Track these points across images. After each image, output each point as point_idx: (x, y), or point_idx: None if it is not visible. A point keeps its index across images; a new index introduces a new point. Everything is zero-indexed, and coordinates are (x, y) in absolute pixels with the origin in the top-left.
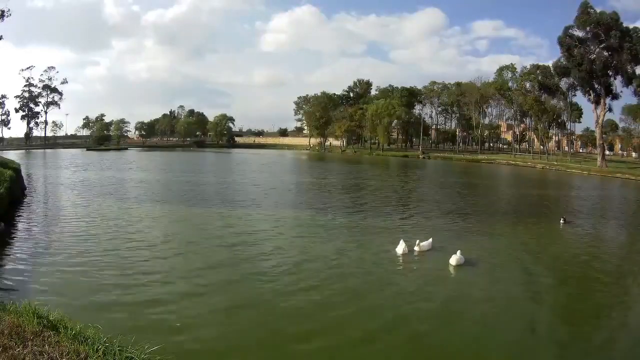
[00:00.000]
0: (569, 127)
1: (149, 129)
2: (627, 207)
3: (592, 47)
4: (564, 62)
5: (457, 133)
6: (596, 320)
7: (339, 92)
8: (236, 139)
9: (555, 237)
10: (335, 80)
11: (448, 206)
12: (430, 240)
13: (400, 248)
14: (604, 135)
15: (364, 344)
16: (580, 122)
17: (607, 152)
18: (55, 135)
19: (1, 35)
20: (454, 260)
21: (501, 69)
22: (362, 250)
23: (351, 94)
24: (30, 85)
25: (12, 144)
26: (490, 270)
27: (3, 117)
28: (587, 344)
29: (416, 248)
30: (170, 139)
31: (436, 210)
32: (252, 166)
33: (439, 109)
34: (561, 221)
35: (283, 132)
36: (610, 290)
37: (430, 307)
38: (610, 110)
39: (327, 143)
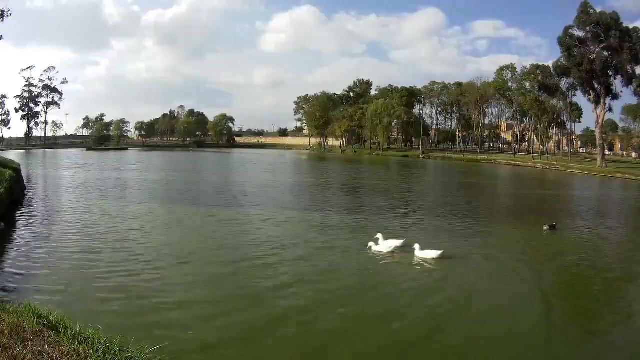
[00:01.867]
0: (569, 127)
1: (149, 129)
2: (624, 209)
3: (592, 47)
4: (564, 62)
5: (457, 133)
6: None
7: (339, 92)
8: (236, 139)
9: (541, 238)
10: (335, 80)
11: (443, 206)
12: (402, 240)
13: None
14: (604, 135)
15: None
16: (580, 122)
17: (607, 152)
18: (55, 135)
19: (1, 35)
20: (422, 253)
21: (501, 69)
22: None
23: (351, 94)
24: (30, 85)
25: (12, 144)
26: (462, 266)
27: (3, 117)
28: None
29: (375, 248)
30: (171, 139)
31: (432, 211)
32: (260, 166)
33: (439, 109)
34: (545, 227)
35: (283, 132)
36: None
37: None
38: (610, 110)
39: (328, 143)
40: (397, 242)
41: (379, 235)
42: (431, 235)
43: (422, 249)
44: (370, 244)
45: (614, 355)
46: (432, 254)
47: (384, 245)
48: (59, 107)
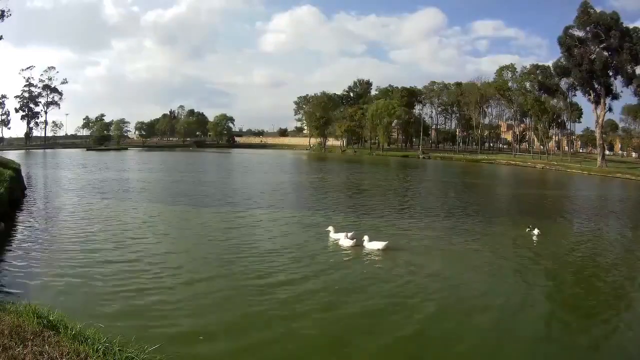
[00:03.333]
0: (569, 127)
1: (148, 129)
2: (618, 209)
3: (592, 47)
4: (564, 62)
5: (457, 133)
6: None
7: (339, 92)
8: (236, 139)
9: (514, 236)
10: (335, 80)
11: (435, 206)
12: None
13: (338, 236)
14: (604, 135)
15: None
16: (580, 122)
17: (607, 152)
18: (55, 135)
19: (1, 35)
20: (370, 244)
21: (501, 69)
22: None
23: (351, 94)
24: (30, 85)
25: (12, 144)
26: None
27: (3, 117)
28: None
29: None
30: (170, 139)
31: (429, 211)
32: (263, 167)
33: (439, 109)
34: (535, 232)
35: (283, 132)
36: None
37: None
38: (610, 110)
39: (329, 143)
40: (348, 234)
41: (330, 228)
42: (422, 233)
43: (370, 240)
44: (331, 236)
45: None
46: (378, 244)
47: (344, 239)
48: (59, 107)
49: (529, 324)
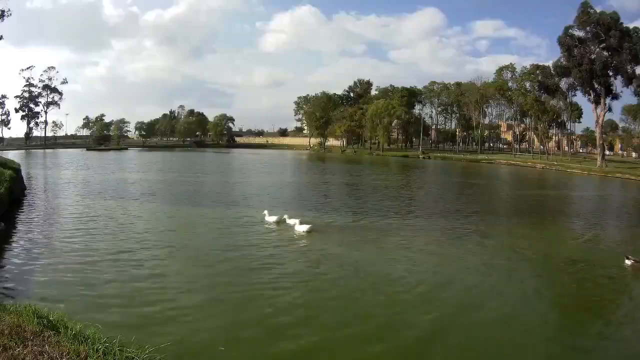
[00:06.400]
0: (569, 127)
1: (148, 129)
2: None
3: (592, 47)
4: (564, 62)
5: (457, 133)
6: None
7: (339, 92)
8: (236, 139)
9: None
10: (335, 80)
11: (428, 206)
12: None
13: (271, 218)
14: (604, 135)
15: None
16: (580, 122)
17: (607, 152)
18: (56, 135)
19: (1, 35)
20: (299, 227)
21: (501, 69)
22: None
23: (351, 94)
24: (30, 85)
25: (12, 144)
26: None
27: (3, 117)
28: None
29: (290, 222)
30: (170, 139)
31: (424, 211)
32: (266, 168)
33: (439, 109)
34: (629, 262)
35: (283, 132)
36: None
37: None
38: (610, 110)
39: (328, 143)
40: (275, 217)
41: (265, 212)
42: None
43: (300, 223)
44: (266, 219)
45: None
46: (304, 227)
47: (288, 219)
48: (59, 107)
49: None
